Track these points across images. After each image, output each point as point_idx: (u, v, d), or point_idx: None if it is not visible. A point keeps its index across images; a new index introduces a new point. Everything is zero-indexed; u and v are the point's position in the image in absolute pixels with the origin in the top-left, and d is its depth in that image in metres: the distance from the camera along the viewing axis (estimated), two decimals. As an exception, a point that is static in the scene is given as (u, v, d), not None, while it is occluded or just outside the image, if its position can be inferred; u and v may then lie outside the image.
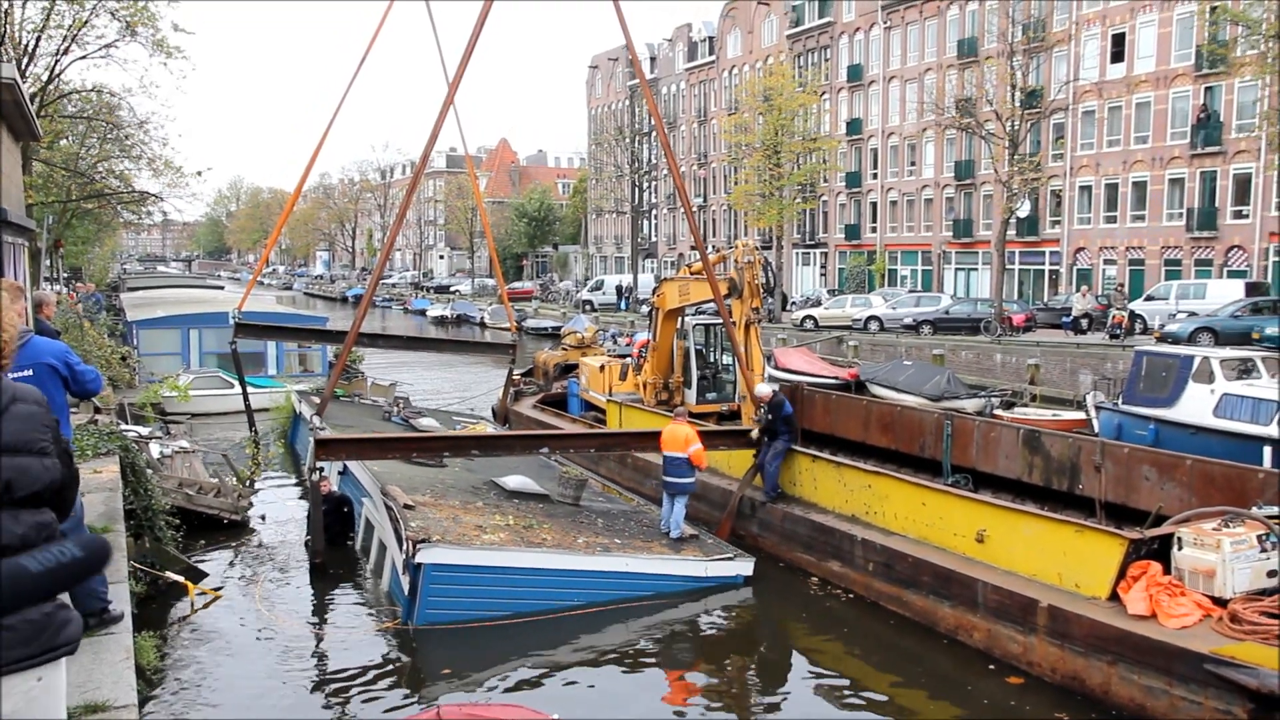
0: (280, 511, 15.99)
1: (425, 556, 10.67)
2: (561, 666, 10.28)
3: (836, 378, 26.01)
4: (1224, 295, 29.71)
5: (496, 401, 23.83)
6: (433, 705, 8.75)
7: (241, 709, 9.11)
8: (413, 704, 9.24)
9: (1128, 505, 12.80)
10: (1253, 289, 30.32)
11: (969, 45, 45.43)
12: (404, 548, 10.93)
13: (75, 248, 46.94)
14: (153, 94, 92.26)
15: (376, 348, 28.81)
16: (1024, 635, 9.87)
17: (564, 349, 25.92)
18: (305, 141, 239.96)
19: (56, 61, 26.29)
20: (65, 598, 2.93)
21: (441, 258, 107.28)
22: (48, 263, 35.63)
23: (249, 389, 20.17)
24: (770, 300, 33.50)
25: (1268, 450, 15.01)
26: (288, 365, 28.96)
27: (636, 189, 63.10)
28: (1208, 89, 36.52)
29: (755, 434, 14.60)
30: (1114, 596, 9.47)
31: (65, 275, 46.80)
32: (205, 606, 11.45)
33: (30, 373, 6.12)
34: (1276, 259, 34.49)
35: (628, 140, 64.22)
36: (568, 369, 24.26)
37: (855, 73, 52.98)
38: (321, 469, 13.10)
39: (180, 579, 11.29)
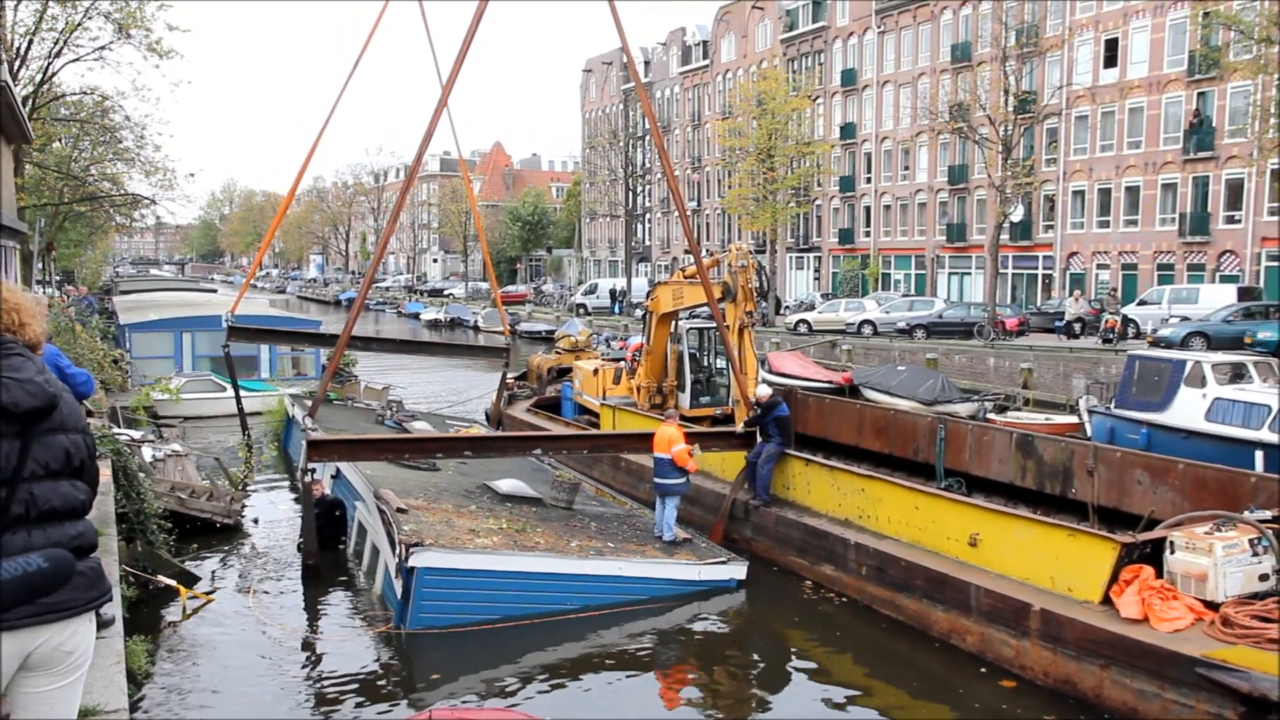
0: (273, 515, 15.94)
1: (418, 560, 10.64)
2: (554, 670, 10.26)
3: (830, 382, 26.01)
4: (1216, 300, 29.83)
5: (490, 405, 23.80)
6: (425, 709, 8.73)
7: (233, 714, 9.07)
8: (405, 708, 9.21)
9: (1120, 509, 12.83)
10: (1245, 294, 30.44)
11: (962, 50, 45.57)
12: (397, 551, 10.90)
13: (67, 251, 46.82)
14: (146, 97, 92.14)
15: (370, 351, 28.78)
16: (1017, 639, 9.88)
17: (558, 353, 25.90)
18: (299, 144, 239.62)
19: (49, 64, 26.23)
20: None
21: (435, 261, 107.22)
22: (40, 266, 35.53)
23: (242, 392, 20.13)
24: (764, 304, 33.52)
25: (1259, 454, 15.05)
26: (281, 368, 28.91)
27: (630, 193, 63.18)
28: (1200, 94, 36.69)
29: (742, 427, 14.59)
30: (1106, 600, 9.48)
31: (58, 278, 46.65)
32: (197, 611, 11.41)
33: None
34: (1269, 264, 34.65)
35: (622, 144, 64.30)
36: (561, 373, 24.24)
37: (849, 77, 53.11)
38: (313, 470, 13.06)
39: (172, 583, 11.25)
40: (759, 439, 14.37)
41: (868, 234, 53.08)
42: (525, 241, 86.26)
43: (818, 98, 53.66)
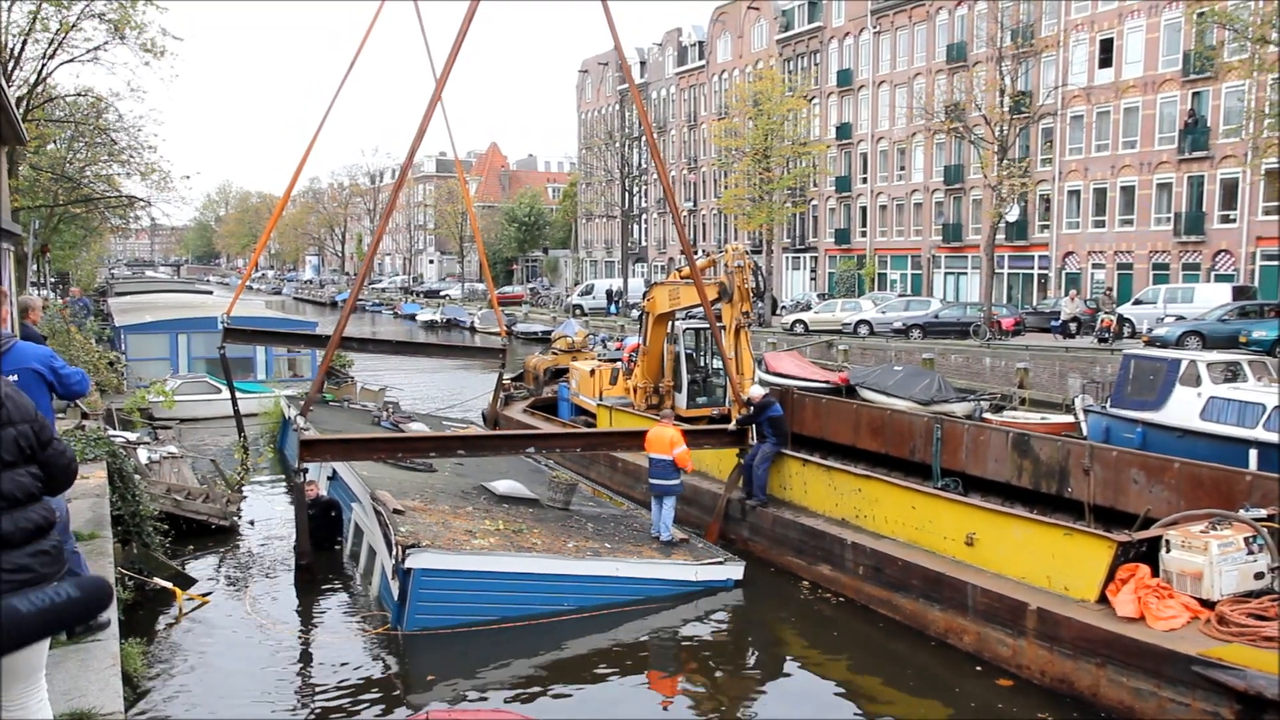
0: (269, 517, 15.92)
1: (415, 561, 10.63)
2: (551, 671, 10.26)
3: (827, 382, 26.06)
4: (1211, 299, 29.88)
5: (486, 406, 23.79)
6: (422, 710, 8.72)
7: (229, 715, 9.05)
8: (402, 710, 9.20)
9: (1116, 508, 12.86)
10: (1240, 293, 30.51)
11: (958, 50, 45.63)
12: (393, 553, 10.89)
13: (62, 252, 46.73)
14: (141, 97, 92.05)
15: (366, 352, 28.70)
16: (1013, 638, 9.90)
17: (554, 353, 25.89)
18: (294, 145, 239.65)
19: (43, 65, 26.13)
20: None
21: (431, 262, 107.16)
22: (34, 268, 35.45)
23: (238, 394, 20.09)
24: (760, 304, 33.54)
25: (1254, 453, 15.09)
26: (277, 370, 28.88)
27: (627, 193, 63.14)
28: (1195, 94, 36.77)
29: (734, 424, 14.59)
30: (1103, 599, 9.50)
31: (53, 280, 46.57)
32: (193, 612, 11.39)
33: (15, 379, 6.09)
34: (1263, 263, 34.74)
35: (618, 145, 64.29)
36: (558, 373, 24.24)
37: (845, 77, 53.15)
38: (305, 470, 13.04)
39: (168, 585, 11.23)
40: (755, 440, 14.38)
41: (864, 234, 53.12)
42: (521, 242, 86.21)
43: (813, 98, 53.71)
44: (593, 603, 11.60)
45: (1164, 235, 37.95)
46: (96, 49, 26.21)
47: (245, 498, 15.84)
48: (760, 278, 18.02)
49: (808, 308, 44.70)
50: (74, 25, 25.26)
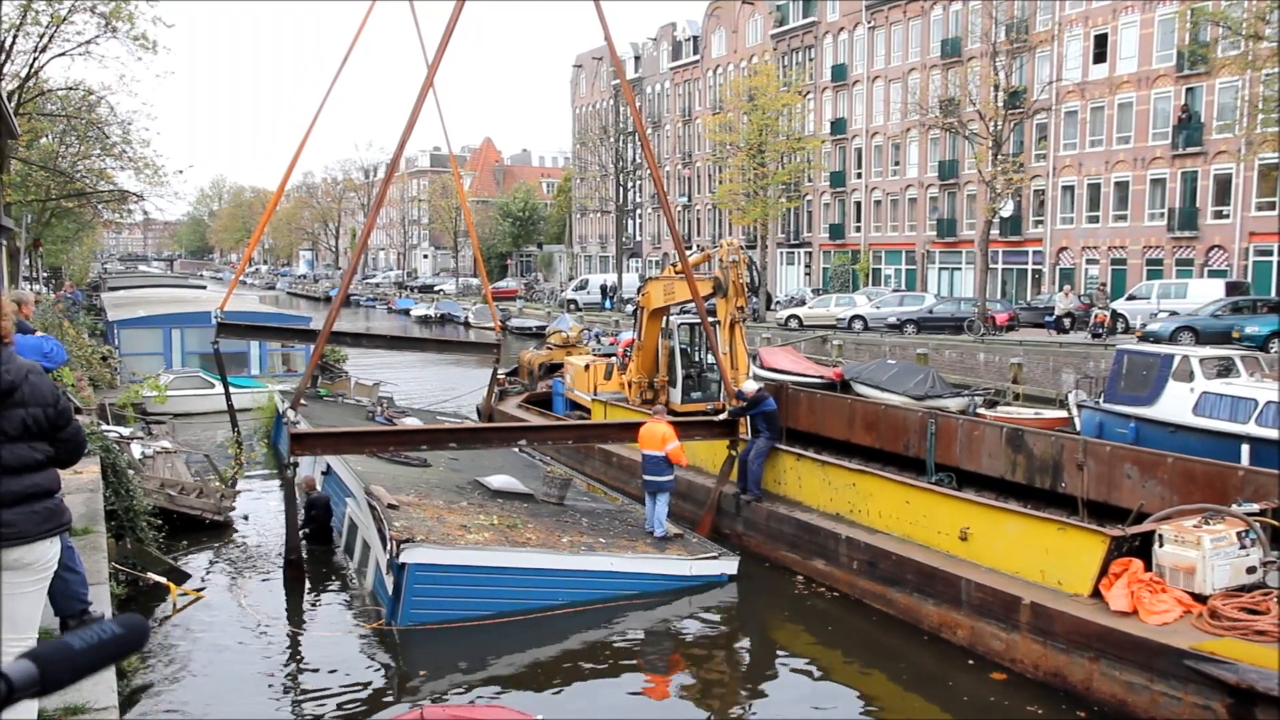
0: (263, 512, 15.90)
1: (409, 556, 10.62)
2: (546, 666, 10.26)
3: (821, 377, 26.07)
4: (1205, 295, 29.95)
5: (481, 401, 23.77)
6: (416, 706, 8.72)
7: (223, 711, 9.04)
8: (397, 705, 9.20)
9: (1109, 503, 12.89)
10: (1233, 288, 30.58)
11: (952, 45, 45.63)
12: (388, 548, 10.88)
13: (55, 247, 46.52)
14: (133, 91, 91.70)
15: (360, 347, 28.66)
16: (1007, 632, 9.92)
17: (549, 348, 25.88)
18: (288, 140, 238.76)
19: (35, 59, 26.01)
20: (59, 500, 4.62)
21: (426, 257, 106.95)
22: (27, 262, 35.32)
23: (232, 389, 20.05)
24: (755, 299, 33.55)
25: (1246, 448, 15.15)
26: (270, 365, 28.82)
27: (621, 188, 63.07)
28: (1189, 90, 36.82)
29: (725, 415, 14.59)
30: (1096, 593, 9.53)
31: (45, 274, 46.37)
32: (187, 608, 11.37)
33: None
34: (1257, 259, 34.82)
35: (612, 140, 64.19)
36: (552, 368, 24.23)
37: (839, 72, 53.11)
38: (295, 464, 13.01)
39: (162, 580, 11.21)
40: (749, 436, 14.38)
41: (858, 229, 53.13)
42: (516, 237, 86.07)
43: (808, 93, 53.65)
44: (587, 598, 11.61)
45: (1158, 231, 38.02)
46: (88, 42, 26.12)
47: (239, 493, 15.81)
48: (755, 273, 18.03)
49: (802, 303, 44.69)
50: (65, 18, 25.15)
